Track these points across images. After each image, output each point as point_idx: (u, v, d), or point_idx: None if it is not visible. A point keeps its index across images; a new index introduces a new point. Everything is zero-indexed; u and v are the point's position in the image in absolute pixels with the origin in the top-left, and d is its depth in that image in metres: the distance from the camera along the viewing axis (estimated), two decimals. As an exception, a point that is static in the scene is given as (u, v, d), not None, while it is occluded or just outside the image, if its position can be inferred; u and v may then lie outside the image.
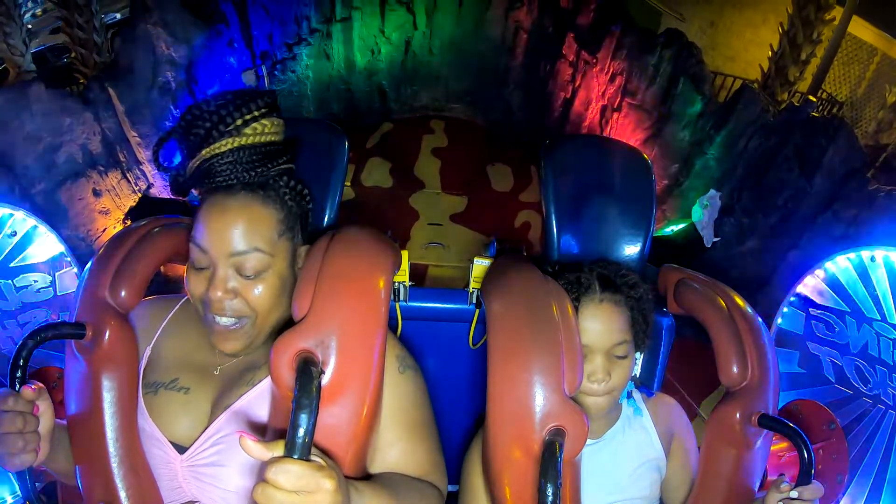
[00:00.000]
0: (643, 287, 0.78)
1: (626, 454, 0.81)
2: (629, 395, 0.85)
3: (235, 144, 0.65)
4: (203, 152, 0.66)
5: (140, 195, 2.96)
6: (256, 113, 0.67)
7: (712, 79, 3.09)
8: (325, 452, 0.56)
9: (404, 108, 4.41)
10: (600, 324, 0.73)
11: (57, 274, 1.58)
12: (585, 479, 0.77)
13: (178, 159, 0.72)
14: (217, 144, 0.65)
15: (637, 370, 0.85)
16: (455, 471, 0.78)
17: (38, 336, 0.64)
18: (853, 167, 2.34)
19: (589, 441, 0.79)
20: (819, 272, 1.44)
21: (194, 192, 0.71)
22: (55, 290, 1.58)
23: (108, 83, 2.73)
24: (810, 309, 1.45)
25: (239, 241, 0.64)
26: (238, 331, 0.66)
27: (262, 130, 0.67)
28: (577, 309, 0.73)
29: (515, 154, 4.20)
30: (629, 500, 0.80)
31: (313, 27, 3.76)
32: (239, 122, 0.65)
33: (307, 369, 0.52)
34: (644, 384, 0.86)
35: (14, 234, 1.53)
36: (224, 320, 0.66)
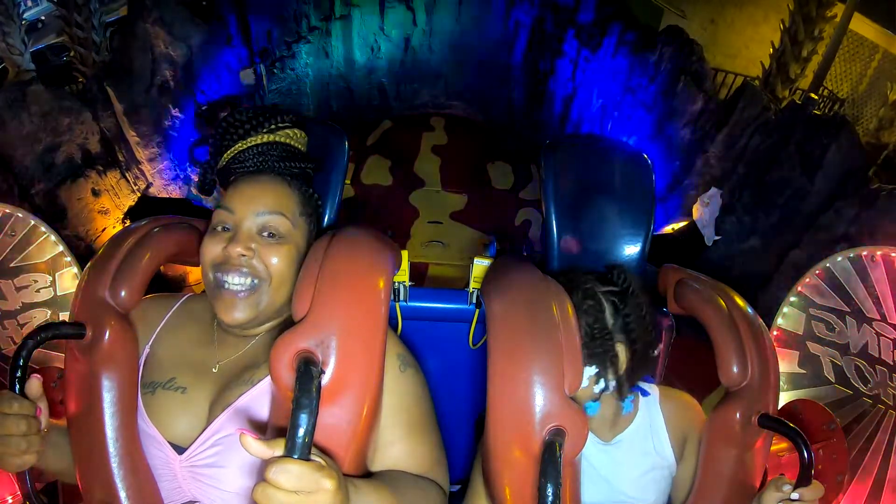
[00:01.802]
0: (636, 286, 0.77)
1: (635, 460, 0.80)
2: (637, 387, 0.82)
3: (268, 139, 0.73)
4: (238, 144, 0.72)
5: (139, 194, 2.96)
6: (289, 122, 0.75)
7: (713, 76, 3.08)
8: (325, 452, 0.56)
9: (404, 106, 4.40)
10: None
11: (57, 274, 1.58)
12: (591, 480, 0.77)
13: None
14: (250, 139, 0.72)
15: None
16: (456, 471, 0.78)
17: (38, 336, 0.64)
18: (854, 166, 2.33)
19: (599, 443, 0.79)
20: (819, 272, 1.43)
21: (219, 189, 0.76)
22: (55, 290, 1.58)
23: (106, 82, 2.72)
24: (810, 309, 1.44)
25: (267, 203, 0.69)
26: (247, 298, 0.67)
27: (293, 136, 0.76)
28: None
29: (515, 151, 4.19)
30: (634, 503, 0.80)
31: (312, 25, 3.75)
32: (273, 126, 0.74)
33: (307, 369, 0.52)
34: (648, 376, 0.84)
35: (14, 234, 1.53)
36: (236, 281, 0.67)
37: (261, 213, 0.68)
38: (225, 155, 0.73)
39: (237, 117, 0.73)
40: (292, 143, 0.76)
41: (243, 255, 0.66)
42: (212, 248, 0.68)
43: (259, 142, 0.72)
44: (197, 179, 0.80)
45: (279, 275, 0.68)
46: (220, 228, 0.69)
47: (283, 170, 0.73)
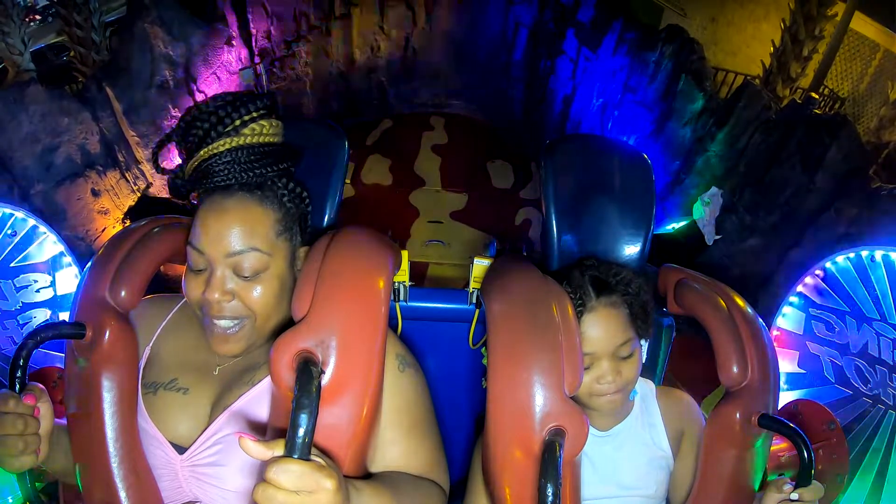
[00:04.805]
0: (637, 280, 0.78)
1: (633, 450, 0.81)
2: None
3: (233, 144, 0.65)
4: (201, 152, 0.65)
5: (139, 194, 2.96)
6: (255, 114, 0.67)
7: (713, 75, 3.08)
8: (324, 452, 0.56)
9: (404, 105, 4.40)
10: (601, 329, 0.74)
11: (57, 274, 1.58)
12: (591, 472, 0.77)
13: (176, 161, 0.73)
14: (215, 144, 0.65)
15: (643, 356, 0.85)
16: (456, 470, 0.78)
17: (38, 336, 0.64)
18: (855, 165, 2.33)
19: (596, 433, 0.79)
20: (819, 272, 1.43)
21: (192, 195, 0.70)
22: (55, 290, 1.58)
23: (105, 82, 2.72)
24: (810, 309, 1.45)
25: (236, 241, 0.64)
26: (237, 333, 0.66)
27: (261, 131, 0.67)
28: (580, 315, 0.74)
29: (516, 151, 4.19)
30: (634, 496, 0.80)
31: (312, 24, 3.75)
32: (237, 122, 0.65)
33: (307, 369, 0.52)
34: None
35: (14, 234, 1.53)
36: (223, 322, 0.65)
37: (230, 254, 0.63)
38: (189, 164, 0.67)
39: (195, 114, 0.65)
40: (262, 139, 0.67)
41: (221, 302, 0.64)
42: (192, 291, 0.66)
43: (223, 149, 0.64)
44: (168, 184, 0.73)
45: (263, 308, 0.66)
46: (195, 269, 0.65)
47: (252, 179, 0.65)
